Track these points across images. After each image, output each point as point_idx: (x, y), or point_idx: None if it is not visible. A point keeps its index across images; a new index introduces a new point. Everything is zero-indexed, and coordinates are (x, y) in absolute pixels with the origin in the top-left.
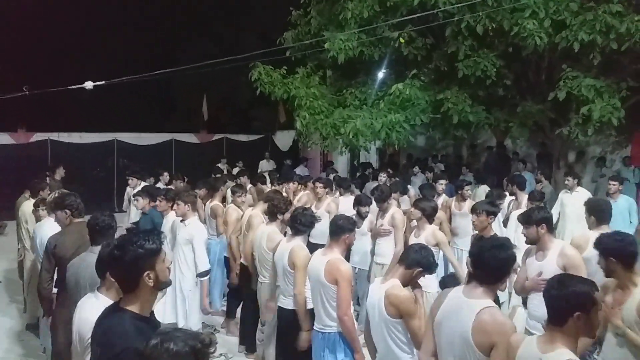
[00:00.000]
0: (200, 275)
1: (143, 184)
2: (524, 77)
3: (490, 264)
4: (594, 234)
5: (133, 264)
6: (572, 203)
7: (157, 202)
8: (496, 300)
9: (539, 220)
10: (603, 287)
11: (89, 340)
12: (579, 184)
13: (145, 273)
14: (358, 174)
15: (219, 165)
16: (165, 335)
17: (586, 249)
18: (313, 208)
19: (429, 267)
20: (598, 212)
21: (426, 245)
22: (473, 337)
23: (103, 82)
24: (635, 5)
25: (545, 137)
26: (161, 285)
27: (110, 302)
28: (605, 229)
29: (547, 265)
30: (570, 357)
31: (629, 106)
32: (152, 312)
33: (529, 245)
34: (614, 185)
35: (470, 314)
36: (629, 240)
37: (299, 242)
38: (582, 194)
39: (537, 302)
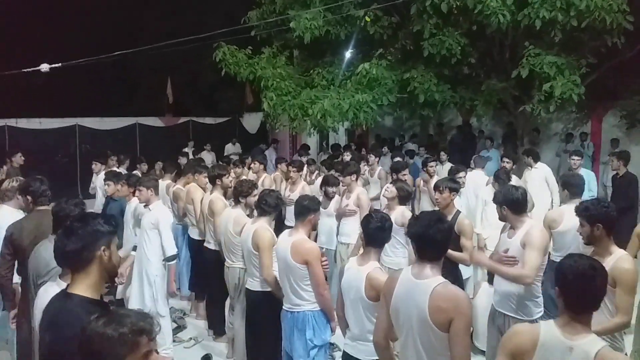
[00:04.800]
0: (168, 259)
1: (107, 168)
2: (488, 55)
3: (437, 238)
4: (567, 208)
5: (92, 235)
6: (531, 179)
7: (118, 188)
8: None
9: (500, 202)
10: None
11: None
12: (539, 160)
13: (102, 248)
14: (326, 156)
15: (186, 149)
16: (105, 317)
17: (561, 223)
18: (287, 191)
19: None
20: (572, 186)
21: (384, 216)
22: (431, 317)
23: (59, 64)
24: None
25: (509, 114)
26: (111, 268)
27: None
28: (577, 202)
29: (513, 243)
30: (605, 344)
31: (589, 83)
32: (102, 296)
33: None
34: (577, 160)
35: (424, 295)
36: (612, 207)
37: (262, 224)
38: (540, 170)
39: (502, 279)
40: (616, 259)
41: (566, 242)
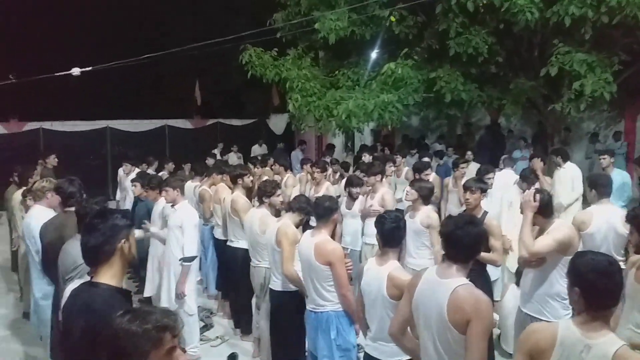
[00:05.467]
0: (185, 260)
1: (137, 170)
2: (516, 54)
3: (464, 241)
4: (596, 208)
5: (112, 229)
6: (560, 179)
7: (145, 192)
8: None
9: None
10: (630, 262)
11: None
12: (568, 160)
13: (123, 240)
14: (351, 156)
15: (214, 150)
16: (130, 313)
17: (590, 224)
18: (312, 192)
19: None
20: (598, 186)
21: (397, 215)
22: (448, 316)
23: (90, 68)
24: None
25: (538, 113)
26: (132, 258)
27: None
28: (605, 203)
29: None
30: (623, 343)
31: (622, 81)
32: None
33: None
34: (604, 159)
35: (445, 293)
36: None
37: (286, 221)
38: (568, 170)
39: (529, 279)
40: None
41: (596, 244)
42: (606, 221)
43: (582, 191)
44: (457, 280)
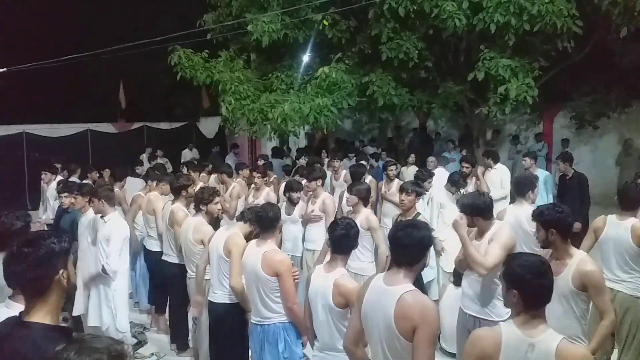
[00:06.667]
0: (104, 272)
1: (58, 178)
2: (444, 59)
3: (404, 242)
4: (510, 207)
5: (48, 260)
6: (491, 180)
7: (73, 199)
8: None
9: (469, 212)
10: None
11: None
12: (498, 161)
13: (61, 271)
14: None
15: (143, 156)
16: (75, 344)
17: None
18: (251, 198)
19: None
20: (515, 185)
21: (349, 222)
22: (396, 324)
23: (4, 69)
24: None
25: (464, 117)
26: (70, 287)
27: None
28: (519, 202)
29: (483, 243)
30: (562, 337)
31: (540, 85)
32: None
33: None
34: (525, 161)
35: (391, 301)
36: (567, 212)
37: (236, 230)
38: (499, 171)
39: (471, 281)
40: (578, 262)
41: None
42: (514, 219)
43: (509, 190)
44: (403, 287)
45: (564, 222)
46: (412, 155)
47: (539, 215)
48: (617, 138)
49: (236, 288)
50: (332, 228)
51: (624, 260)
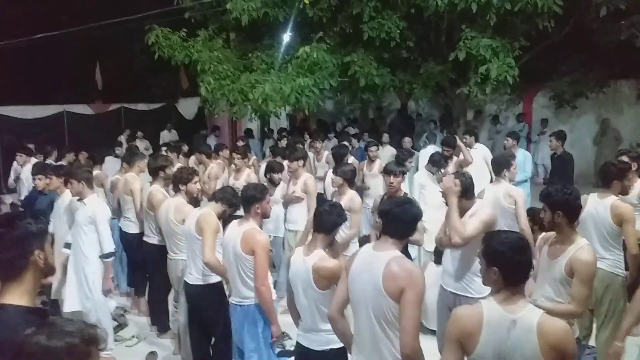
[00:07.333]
0: (105, 256)
1: (33, 160)
2: (426, 39)
3: (402, 217)
4: (489, 186)
5: (24, 240)
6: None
7: (48, 181)
8: (409, 257)
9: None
10: (543, 238)
11: None
12: (477, 141)
13: (37, 252)
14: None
15: (121, 137)
16: (47, 328)
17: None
18: (232, 179)
19: (344, 220)
20: (492, 164)
21: (334, 203)
22: (383, 285)
23: None
24: None
25: (445, 97)
26: (49, 269)
27: None
28: (500, 180)
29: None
30: (543, 312)
31: (521, 65)
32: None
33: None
34: (508, 141)
35: (381, 264)
36: (576, 194)
37: (208, 209)
38: (479, 150)
39: (452, 259)
40: (577, 249)
41: None
42: (493, 196)
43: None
44: (391, 253)
45: (572, 204)
46: (386, 135)
47: (546, 197)
48: (594, 118)
49: (211, 263)
50: (316, 208)
51: (603, 237)
